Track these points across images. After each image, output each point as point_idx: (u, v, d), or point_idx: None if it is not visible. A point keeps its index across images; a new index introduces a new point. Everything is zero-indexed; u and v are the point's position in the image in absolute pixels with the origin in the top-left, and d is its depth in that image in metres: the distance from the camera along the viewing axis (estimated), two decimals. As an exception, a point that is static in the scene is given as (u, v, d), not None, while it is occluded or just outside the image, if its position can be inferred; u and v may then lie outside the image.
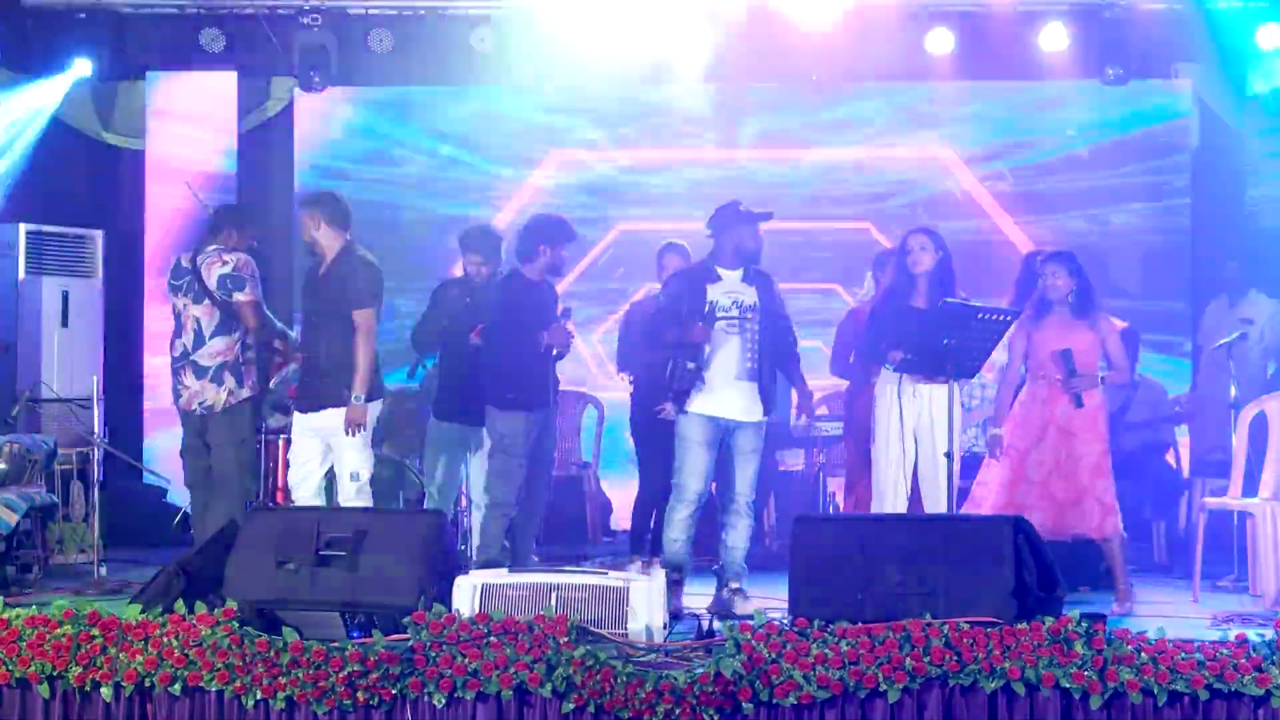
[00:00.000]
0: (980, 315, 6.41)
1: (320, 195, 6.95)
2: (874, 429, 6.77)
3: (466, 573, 5.71)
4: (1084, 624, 5.05)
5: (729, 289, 6.65)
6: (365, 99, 10.07)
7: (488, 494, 7.05)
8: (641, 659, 5.28)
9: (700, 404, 6.57)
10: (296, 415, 6.80)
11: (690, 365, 6.51)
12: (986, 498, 6.81)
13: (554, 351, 6.99)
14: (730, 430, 6.64)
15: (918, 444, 6.63)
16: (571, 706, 5.02)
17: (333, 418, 6.58)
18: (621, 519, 9.58)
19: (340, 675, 5.06)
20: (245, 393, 6.84)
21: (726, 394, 6.60)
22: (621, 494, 9.70)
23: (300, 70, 9.44)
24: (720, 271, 6.66)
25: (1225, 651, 5.01)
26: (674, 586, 6.27)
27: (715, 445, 6.63)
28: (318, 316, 6.76)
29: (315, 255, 6.80)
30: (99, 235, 8.99)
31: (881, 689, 4.99)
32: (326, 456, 6.70)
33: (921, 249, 6.68)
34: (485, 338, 7.10)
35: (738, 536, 6.68)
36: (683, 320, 6.55)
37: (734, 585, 6.63)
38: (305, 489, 6.71)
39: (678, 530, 6.64)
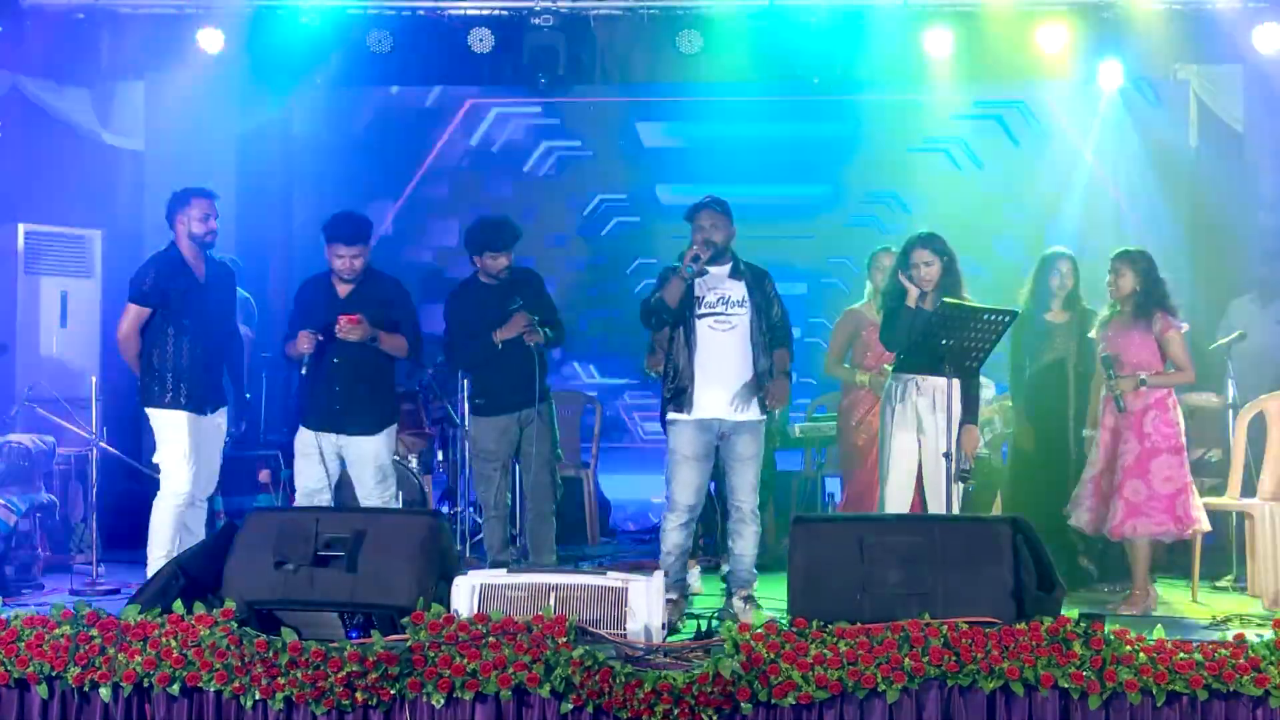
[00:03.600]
0: (980, 316, 6.40)
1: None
2: (881, 430, 6.77)
3: (465, 573, 5.68)
4: (1083, 624, 5.04)
5: (714, 284, 6.53)
6: (363, 99, 10.08)
7: (479, 500, 7.06)
8: (640, 659, 5.27)
9: (695, 409, 6.45)
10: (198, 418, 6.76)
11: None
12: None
13: (530, 345, 6.89)
14: (725, 435, 6.51)
15: (920, 444, 6.63)
16: (570, 707, 5.00)
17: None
18: (618, 519, 9.61)
19: (339, 675, 5.04)
20: None
21: (717, 394, 6.46)
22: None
23: (304, 71, 9.44)
24: (706, 266, 6.50)
25: (1224, 652, 4.99)
26: (669, 606, 6.01)
27: (707, 456, 6.53)
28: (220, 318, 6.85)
29: (203, 253, 6.77)
30: (98, 235, 8.97)
31: (880, 689, 4.97)
32: None
33: (926, 265, 6.65)
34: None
35: (745, 544, 6.56)
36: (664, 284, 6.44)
37: (744, 593, 6.53)
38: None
39: (670, 543, 6.53)
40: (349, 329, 6.67)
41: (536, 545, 7.12)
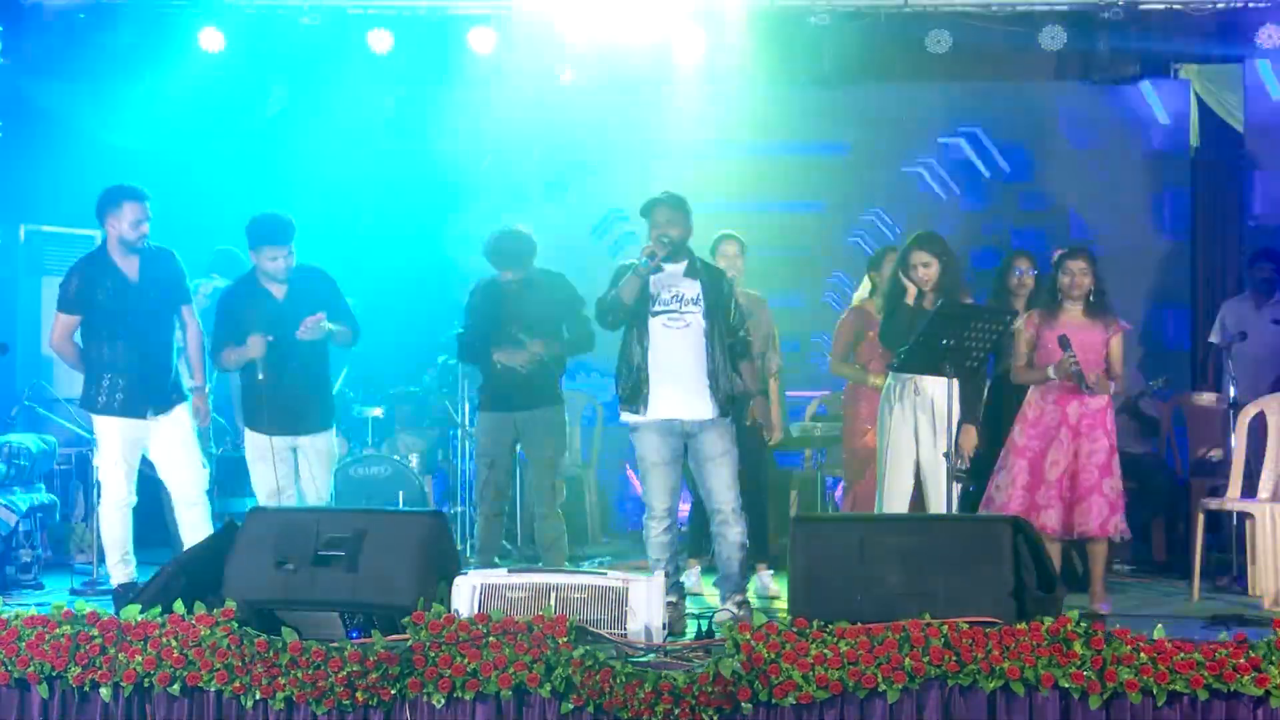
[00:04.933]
0: (979, 316, 6.39)
1: None
2: (879, 430, 6.74)
3: (466, 573, 5.66)
4: (1083, 624, 5.03)
5: (669, 282, 6.37)
6: (362, 98, 10.06)
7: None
8: (641, 659, 5.25)
9: (651, 409, 6.30)
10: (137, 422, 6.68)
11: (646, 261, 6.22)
12: (1006, 501, 6.69)
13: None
14: (691, 434, 6.34)
15: (919, 444, 6.61)
16: (570, 707, 4.99)
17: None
18: (618, 518, 9.59)
19: (339, 675, 5.04)
20: None
21: (674, 394, 6.30)
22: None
23: (303, 72, 9.43)
24: (662, 263, 6.32)
25: (1224, 652, 4.98)
26: (668, 608, 5.87)
27: (675, 459, 6.36)
28: (159, 316, 6.74)
29: (134, 252, 6.70)
30: (98, 235, 8.89)
31: (881, 689, 4.96)
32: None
33: (925, 266, 6.63)
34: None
35: (731, 548, 6.35)
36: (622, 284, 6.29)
37: (738, 599, 6.36)
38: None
39: (656, 548, 6.36)
40: (314, 328, 6.59)
41: (544, 546, 7.10)
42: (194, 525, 6.72)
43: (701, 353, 6.32)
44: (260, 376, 6.64)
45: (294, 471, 6.85)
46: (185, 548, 6.51)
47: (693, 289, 6.38)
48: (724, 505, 6.35)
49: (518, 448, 7.18)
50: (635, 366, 6.33)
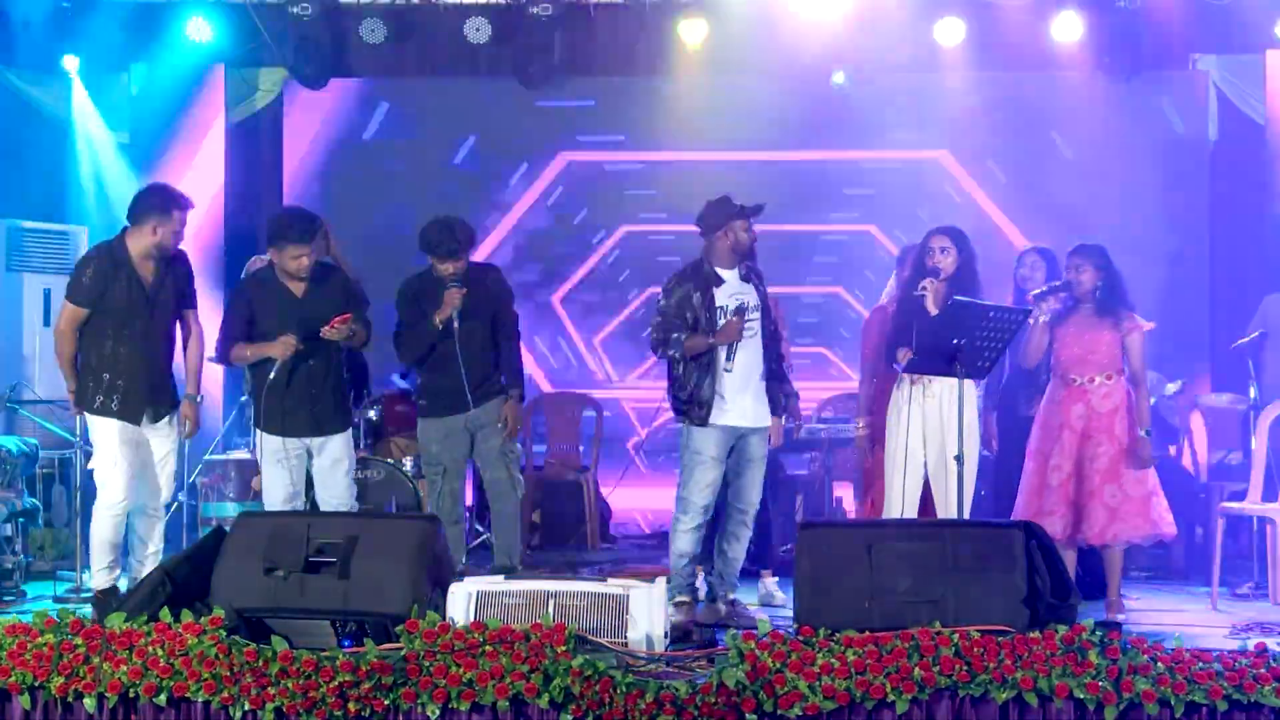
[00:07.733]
0: (991, 315, 6.30)
1: None
2: (887, 434, 6.65)
3: (461, 579, 5.57)
4: (1099, 633, 4.96)
5: (732, 291, 6.40)
6: (357, 91, 9.96)
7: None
8: (642, 669, 5.19)
9: (719, 415, 6.33)
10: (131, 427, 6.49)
11: (728, 366, 6.28)
12: (1019, 505, 6.64)
13: (454, 325, 6.71)
14: (743, 436, 6.42)
15: (927, 446, 6.50)
16: (569, 718, 4.92)
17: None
18: (619, 524, 9.50)
19: (331, 685, 4.96)
20: None
21: (743, 401, 6.36)
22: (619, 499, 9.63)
23: (295, 63, 9.34)
24: (721, 273, 6.40)
25: (1244, 661, 4.92)
26: (681, 608, 6.00)
27: (726, 457, 6.42)
28: (165, 320, 6.57)
29: (158, 258, 6.46)
30: (83, 231, 8.90)
31: (889, 700, 4.89)
32: None
33: (943, 251, 6.55)
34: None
35: (740, 549, 6.49)
36: (703, 328, 6.30)
37: (731, 597, 6.48)
38: None
39: (684, 545, 6.39)
40: (341, 329, 6.49)
41: (499, 548, 6.97)
42: (146, 537, 6.55)
43: (761, 359, 6.42)
44: (271, 376, 6.51)
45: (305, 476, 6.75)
46: (134, 558, 6.44)
47: (753, 296, 6.43)
48: (749, 507, 6.48)
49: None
50: (708, 381, 6.31)
